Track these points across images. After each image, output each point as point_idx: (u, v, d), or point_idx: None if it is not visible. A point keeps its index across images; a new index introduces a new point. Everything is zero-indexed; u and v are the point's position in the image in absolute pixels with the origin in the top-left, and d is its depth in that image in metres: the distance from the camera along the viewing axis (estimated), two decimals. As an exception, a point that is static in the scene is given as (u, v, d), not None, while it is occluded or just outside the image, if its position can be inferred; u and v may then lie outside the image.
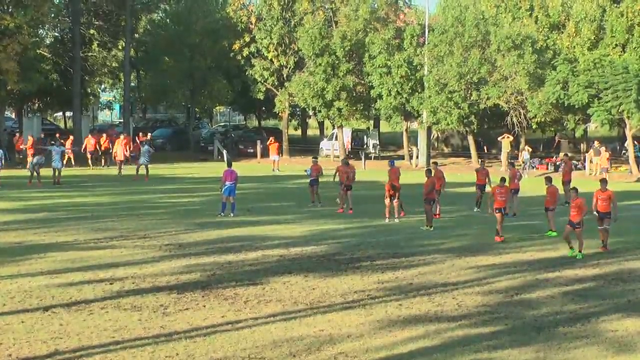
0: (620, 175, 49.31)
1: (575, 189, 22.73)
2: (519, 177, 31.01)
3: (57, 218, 27.41)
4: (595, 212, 22.51)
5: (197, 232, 24.53)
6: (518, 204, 30.14)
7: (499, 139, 56.68)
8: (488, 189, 28.88)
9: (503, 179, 24.99)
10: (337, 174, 30.98)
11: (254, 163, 56.96)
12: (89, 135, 52.13)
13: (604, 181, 22.91)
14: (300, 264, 19.88)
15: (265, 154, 56.64)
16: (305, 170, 34.08)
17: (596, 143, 51.65)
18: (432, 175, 27.30)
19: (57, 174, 38.90)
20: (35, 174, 38.40)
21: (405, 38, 56.18)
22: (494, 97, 52.94)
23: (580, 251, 21.42)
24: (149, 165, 42.39)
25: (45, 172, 39.12)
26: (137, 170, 42.48)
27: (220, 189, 28.62)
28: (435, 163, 33.01)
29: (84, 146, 50.44)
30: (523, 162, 50.68)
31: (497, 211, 23.97)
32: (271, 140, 53.76)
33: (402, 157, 59.19)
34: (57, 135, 52.92)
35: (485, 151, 60.10)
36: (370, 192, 35.03)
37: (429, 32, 56.15)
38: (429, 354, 12.85)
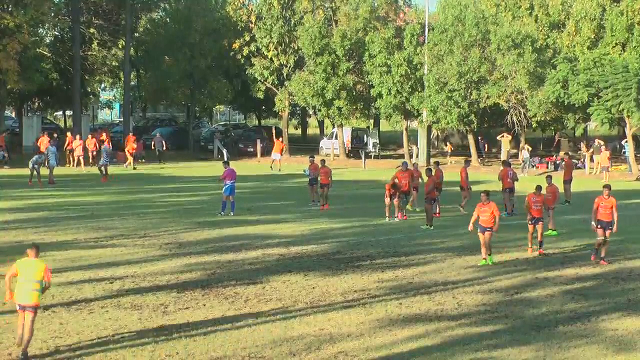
0: (620, 174, 49.31)
1: (486, 191, 21.01)
2: (513, 176, 30.76)
3: (57, 217, 27.40)
4: (593, 223, 20.72)
5: (197, 231, 24.53)
6: (515, 202, 30.07)
7: (497, 137, 56.70)
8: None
9: (539, 187, 22.51)
10: (398, 179, 28.17)
11: (254, 162, 56.94)
12: (69, 134, 52.02)
13: (607, 187, 20.99)
14: (300, 263, 19.88)
15: (265, 152, 56.60)
16: (304, 170, 34.03)
17: (597, 141, 51.62)
18: (433, 174, 27.32)
19: (50, 172, 38.94)
20: (35, 172, 38.36)
21: (405, 37, 56.14)
22: (494, 96, 52.92)
23: (489, 254, 20.33)
24: (107, 166, 41.13)
25: (46, 171, 39.12)
26: (105, 172, 40.57)
27: (219, 182, 28.66)
28: (437, 162, 32.96)
29: (66, 144, 50.33)
30: (523, 161, 50.64)
31: (530, 222, 21.92)
32: (279, 139, 53.39)
33: (402, 156, 59.19)
34: (55, 134, 52.86)
35: (486, 150, 60.12)
36: (370, 191, 35.03)
37: (428, 31, 56.12)
38: (429, 352, 12.85)
